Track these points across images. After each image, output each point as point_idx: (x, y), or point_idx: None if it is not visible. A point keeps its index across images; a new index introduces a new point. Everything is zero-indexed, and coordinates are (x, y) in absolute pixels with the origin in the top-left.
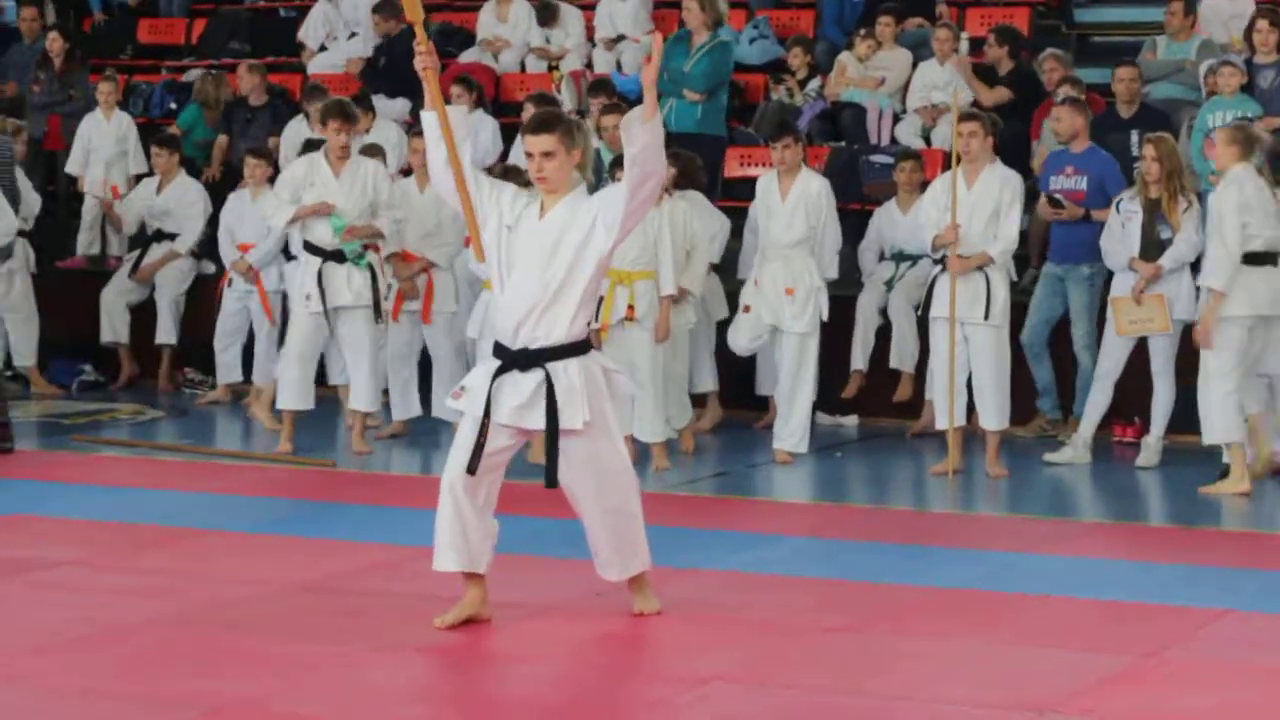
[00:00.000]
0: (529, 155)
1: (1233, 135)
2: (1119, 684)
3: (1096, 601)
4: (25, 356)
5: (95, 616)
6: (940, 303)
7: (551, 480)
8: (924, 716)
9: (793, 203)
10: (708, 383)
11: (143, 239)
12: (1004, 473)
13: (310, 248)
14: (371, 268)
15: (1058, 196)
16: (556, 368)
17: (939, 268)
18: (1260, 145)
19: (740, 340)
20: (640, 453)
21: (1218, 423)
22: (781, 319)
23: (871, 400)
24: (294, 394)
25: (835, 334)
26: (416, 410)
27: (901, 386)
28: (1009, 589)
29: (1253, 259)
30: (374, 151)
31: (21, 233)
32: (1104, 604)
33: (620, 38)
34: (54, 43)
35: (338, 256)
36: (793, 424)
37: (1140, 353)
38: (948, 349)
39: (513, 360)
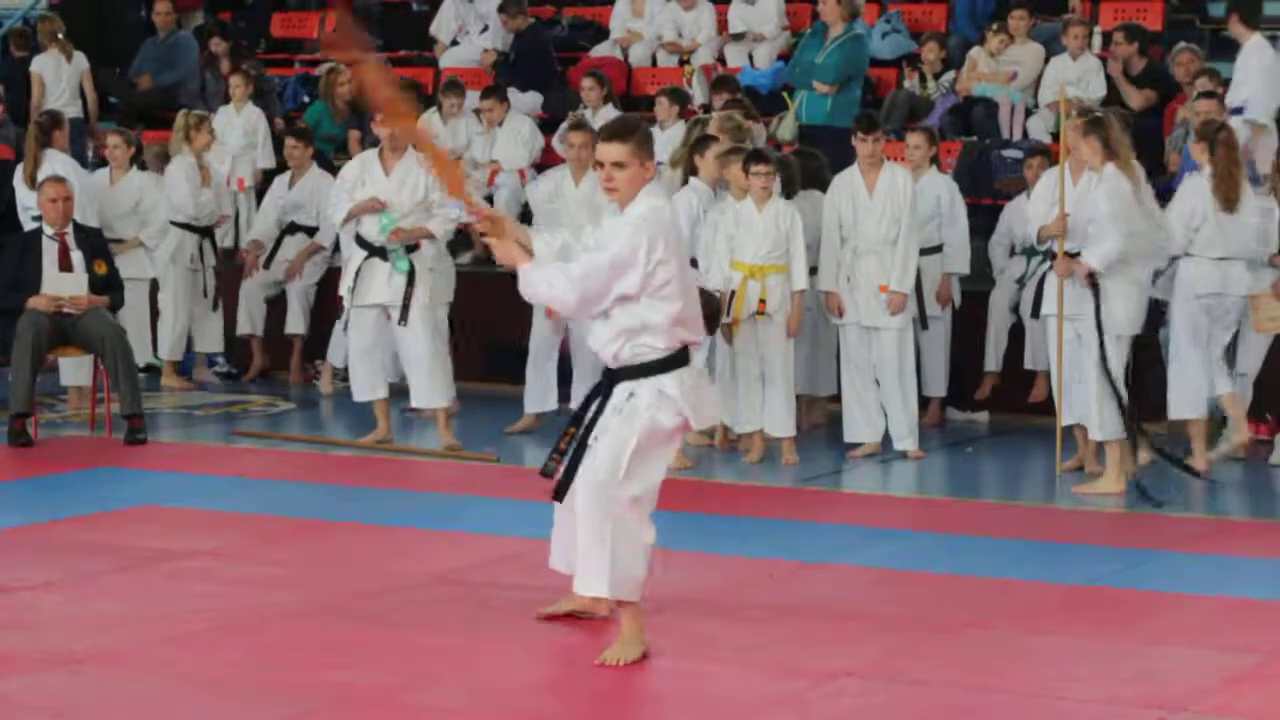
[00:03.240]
0: (599, 164)
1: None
2: (1251, 682)
3: (1228, 599)
4: (178, 351)
5: (228, 607)
6: (1051, 301)
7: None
8: (1055, 714)
9: (881, 197)
10: (828, 385)
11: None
12: (1101, 471)
13: (360, 241)
14: (412, 269)
15: None
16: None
17: (1047, 265)
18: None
19: None
20: (771, 447)
21: None
22: (877, 317)
23: (1006, 397)
24: (363, 386)
25: (967, 330)
26: (552, 405)
27: (1037, 386)
28: (1140, 586)
29: None
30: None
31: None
32: (1235, 601)
33: (741, 35)
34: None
35: (383, 253)
36: (904, 422)
37: (1273, 349)
38: (1059, 347)
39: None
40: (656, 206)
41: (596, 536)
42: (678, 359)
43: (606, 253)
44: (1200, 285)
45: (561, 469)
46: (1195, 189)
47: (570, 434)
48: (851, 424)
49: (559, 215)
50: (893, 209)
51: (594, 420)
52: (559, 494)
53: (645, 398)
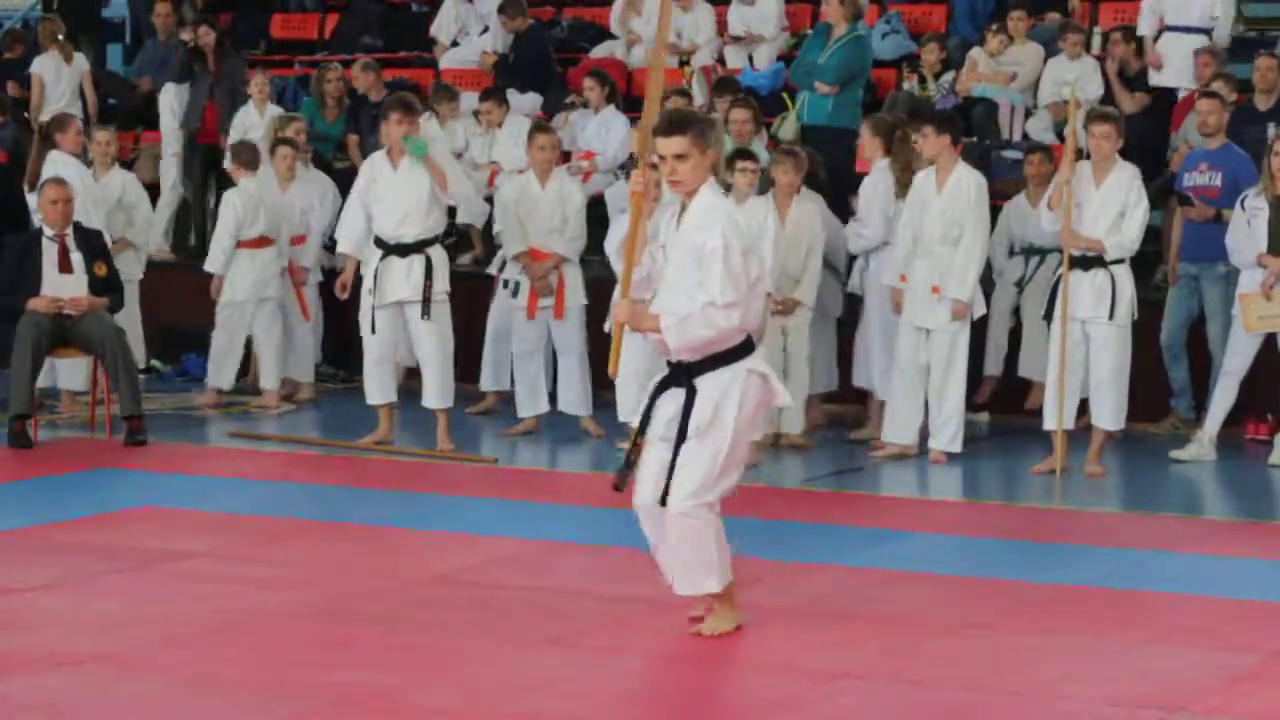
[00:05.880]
0: (660, 158)
1: None
2: (1249, 682)
3: (1228, 600)
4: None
5: (228, 607)
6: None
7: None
8: (1055, 714)
9: (947, 197)
10: (827, 381)
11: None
12: (1101, 472)
13: (376, 241)
14: (429, 262)
15: (1188, 194)
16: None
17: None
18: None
19: None
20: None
21: None
22: (929, 318)
23: (1007, 399)
24: (374, 389)
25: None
26: (545, 407)
27: (1033, 394)
28: (1139, 587)
29: None
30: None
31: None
32: (1235, 602)
33: (740, 37)
34: (205, 36)
35: (398, 251)
36: (945, 424)
37: (1274, 350)
38: (1066, 348)
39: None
40: (717, 200)
41: (700, 537)
42: (746, 347)
43: (717, 252)
44: (888, 274)
45: (639, 478)
46: (879, 182)
47: (639, 445)
48: (891, 424)
49: (528, 218)
50: (954, 209)
51: (674, 418)
52: (663, 500)
53: (734, 381)
